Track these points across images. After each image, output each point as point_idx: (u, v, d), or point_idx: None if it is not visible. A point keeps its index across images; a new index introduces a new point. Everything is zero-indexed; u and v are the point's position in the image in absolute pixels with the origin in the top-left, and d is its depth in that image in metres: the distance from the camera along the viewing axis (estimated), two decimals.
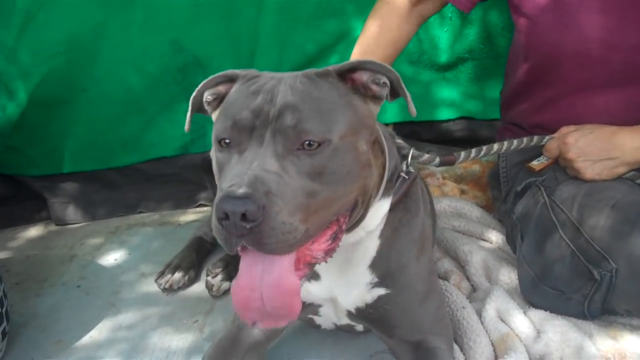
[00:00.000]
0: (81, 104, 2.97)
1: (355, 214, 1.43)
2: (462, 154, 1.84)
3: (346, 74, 1.42)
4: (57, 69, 2.87)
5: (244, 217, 1.18)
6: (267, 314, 1.28)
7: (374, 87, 1.43)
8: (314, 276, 1.69)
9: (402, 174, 1.65)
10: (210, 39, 2.89)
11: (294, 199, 1.24)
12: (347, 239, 1.56)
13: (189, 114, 1.60)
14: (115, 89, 2.96)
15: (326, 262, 1.40)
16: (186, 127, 1.61)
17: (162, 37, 2.88)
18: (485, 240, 2.31)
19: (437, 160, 1.75)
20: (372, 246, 1.64)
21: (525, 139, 2.01)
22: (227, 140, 1.35)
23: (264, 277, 1.28)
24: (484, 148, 1.89)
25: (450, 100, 2.93)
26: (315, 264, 1.38)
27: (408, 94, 1.42)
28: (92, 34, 2.83)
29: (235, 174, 1.26)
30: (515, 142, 1.98)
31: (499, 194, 2.36)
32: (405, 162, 1.67)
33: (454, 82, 2.90)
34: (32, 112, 2.94)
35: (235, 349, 1.81)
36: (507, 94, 2.39)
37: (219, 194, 1.23)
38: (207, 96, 1.54)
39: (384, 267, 1.66)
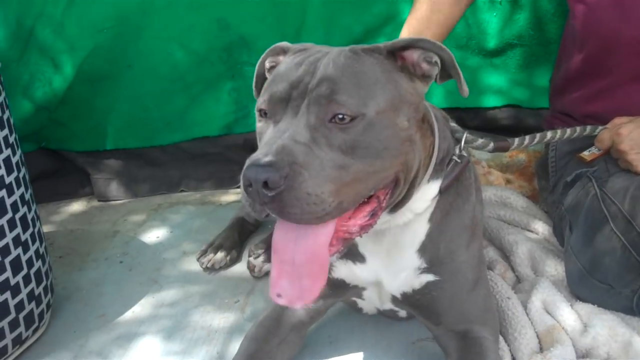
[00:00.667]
0: (126, 80, 2.99)
1: (397, 192, 1.43)
2: (516, 140, 1.81)
3: (397, 52, 1.41)
4: (104, 44, 2.88)
5: (266, 185, 1.20)
6: (297, 277, 1.30)
7: (424, 66, 1.41)
8: (359, 258, 1.69)
9: (455, 158, 1.63)
10: (256, 17, 2.87)
11: (322, 171, 1.25)
12: (394, 220, 1.57)
13: (254, 80, 1.65)
14: (160, 66, 2.96)
15: (361, 236, 1.40)
16: (254, 93, 1.65)
17: (209, 14, 2.87)
18: (531, 231, 2.28)
19: (491, 145, 1.72)
20: (421, 230, 1.63)
21: (578, 128, 1.97)
22: (265, 111, 1.38)
23: (297, 241, 1.31)
24: (537, 136, 1.85)
25: (497, 87, 2.88)
26: (350, 240, 1.38)
27: (460, 74, 1.40)
28: (139, 9, 2.83)
29: (265, 143, 1.28)
30: (568, 131, 1.94)
31: (547, 184, 2.32)
32: (458, 146, 1.64)
33: (501, 68, 2.86)
34: (77, 86, 2.95)
35: (278, 328, 1.82)
36: (558, 82, 2.34)
37: (247, 162, 1.25)
38: (267, 64, 1.59)
39: (433, 253, 1.64)
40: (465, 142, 1.66)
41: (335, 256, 1.36)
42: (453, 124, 1.69)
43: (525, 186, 2.57)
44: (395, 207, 1.51)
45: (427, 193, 1.57)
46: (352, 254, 1.69)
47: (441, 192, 1.60)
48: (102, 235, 2.78)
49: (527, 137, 1.83)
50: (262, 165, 1.20)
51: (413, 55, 1.41)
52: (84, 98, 3.01)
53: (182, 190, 3.14)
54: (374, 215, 1.40)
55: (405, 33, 2.23)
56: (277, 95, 1.35)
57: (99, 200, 3.12)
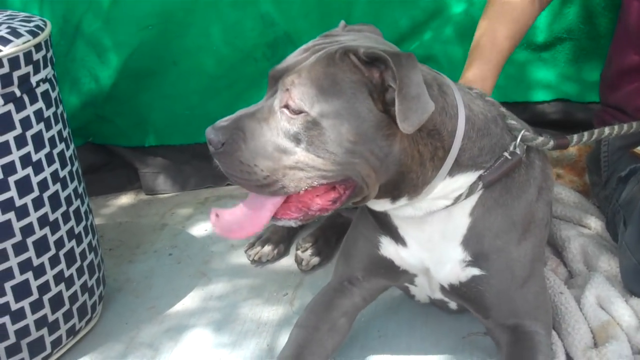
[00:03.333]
0: (171, 77, 3.01)
1: (361, 192, 1.49)
2: (575, 137, 1.78)
3: (375, 62, 1.41)
4: (149, 41, 2.91)
5: (210, 143, 1.43)
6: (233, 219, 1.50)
7: (388, 87, 1.40)
8: (401, 241, 1.72)
9: (506, 154, 1.61)
10: (301, 13, 2.87)
11: (262, 148, 1.41)
12: (424, 208, 1.60)
13: None
14: (205, 63, 2.97)
15: (315, 217, 1.52)
16: None
17: (254, 10, 2.87)
18: (584, 226, 2.24)
19: (551, 143, 1.70)
20: (462, 222, 1.63)
21: (635, 124, 1.92)
22: None
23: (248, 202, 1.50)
24: (595, 132, 1.81)
25: (546, 81, 2.84)
26: (310, 215, 1.50)
27: (408, 104, 1.33)
28: (184, 6, 2.85)
29: (238, 110, 1.48)
30: (625, 126, 1.88)
31: (599, 178, 2.29)
32: (513, 143, 1.63)
33: (550, 62, 2.81)
34: (122, 83, 2.99)
35: (329, 314, 1.83)
36: (611, 76, 2.30)
37: None
38: None
39: (476, 247, 1.64)
40: (522, 140, 1.64)
41: (293, 222, 1.51)
42: (512, 122, 1.67)
43: (576, 181, 2.54)
44: (398, 197, 1.55)
45: (452, 185, 1.57)
46: (394, 235, 1.73)
47: (485, 186, 1.59)
48: (150, 228, 2.81)
49: (586, 134, 1.80)
50: (214, 127, 1.43)
51: (381, 68, 1.41)
52: (129, 94, 3.04)
53: (228, 184, 3.14)
54: (334, 202, 1.50)
55: (478, 34, 2.21)
56: (273, 73, 1.50)
57: (146, 194, 3.15)
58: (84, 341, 2.12)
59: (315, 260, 2.36)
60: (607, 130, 1.85)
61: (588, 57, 2.79)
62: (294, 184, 1.42)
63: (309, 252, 2.36)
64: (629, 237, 1.90)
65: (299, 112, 1.40)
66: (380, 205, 1.59)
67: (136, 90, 3.04)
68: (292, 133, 1.40)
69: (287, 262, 2.45)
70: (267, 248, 2.45)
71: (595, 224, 2.23)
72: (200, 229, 2.77)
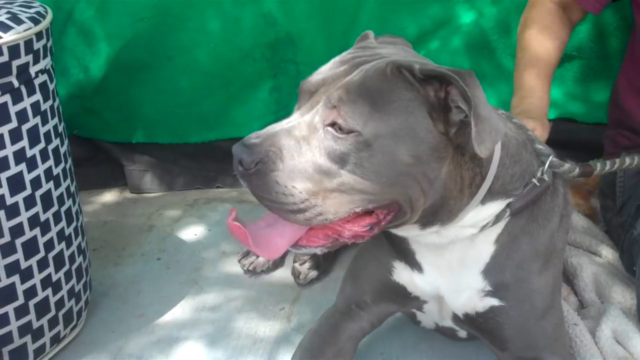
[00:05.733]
0: (164, 73, 2.90)
1: (403, 217, 1.39)
2: (599, 165, 1.72)
3: (431, 80, 1.31)
4: (143, 34, 2.81)
5: (241, 163, 1.28)
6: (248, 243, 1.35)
7: (452, 107, 1.31)
8: (417, 267, 1.64)
9: (534, 180, 1.54)
10: (304, 14, 2.78)
11: (302, 169, 1.28)
12: (450, 235, 1.51)
13: None
14: (201, 60, 2.88)
15: (348, 244, 1.40)
16: None
17: (256, 8, 2.78)
18: (594, 254, 2.19)
19: (577, 170, 1.64)
20: (486, 250, 1.56)
21: None
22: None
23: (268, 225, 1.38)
24: (617, 161, 1.76)
25: (552, 99, 2.76)
26: (339, 241, 1.38)
27: (482, 126, 1.25)
28: (183, 0, 2.75)
29: (270, 126, 1.34)
30: None
31: (613, 203, 2.22)
32: (541, 169, 1.56)
33: (558, 80, 2.74)
34: (114, 75, 2.88)
35: (335, 337, 1.75)
36: (624, 97, 2.25)
37: None
38: None
39: (498, 276, 1.57)
40: (550, 166, 1.57)
41: (319, 250, 1.39)
42: (540, 146, 1.60)
43: (582, 204, 2.48)
44: (432, 223, 1.45)
45: (482, 213, 1.49)
46: (410, 261, 1.65)
47: (512, 214, 1.52)
48: (137, 229, 2.70)
49: (608, 162, 1.75)
50: (243, 145, 1.29)
51: (447, 90, 1.31)
52: (119, 88, 2.93)
53: (218, 186, 3.05)
54: (371, 229, 1.39)
55: (521, 64, 2.17)
56: (307, 86, 1.38)
57: (132, 192, 3.04)
58: (68, 349, 2.01)
59: (314, 273, 2.28)
60: (627, 159, 1.79)
61: (596, 76, 2.74)
62: (334, 209, 1.30)
63: (307, 264, 2.27)
64: None
65: (349, 131, 1.27)
66: (407, 230, 1.49)
67: (127, 84, 2.93)
68: (338, 153, 1.28)
69: (283, 273, 2.35)
70: (262, 258, 2.34)
71: (606, 252, 2.17)
72: (189, 233, 2.66)
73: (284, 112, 2.94)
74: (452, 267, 1.59)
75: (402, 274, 1.67)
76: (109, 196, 3.02)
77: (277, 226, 1.36)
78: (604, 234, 2.31)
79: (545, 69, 2.14)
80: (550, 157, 1.58)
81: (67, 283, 1.93)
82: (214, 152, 3.04)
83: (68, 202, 1.94)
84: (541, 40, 2.16)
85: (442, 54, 2.77)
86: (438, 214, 1.42)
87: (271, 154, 1.28)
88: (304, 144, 1.30)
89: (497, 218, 1.50)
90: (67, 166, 1.96)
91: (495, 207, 1.49)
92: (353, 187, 1.29)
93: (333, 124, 1.28)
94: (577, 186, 2.53)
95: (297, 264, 2.28)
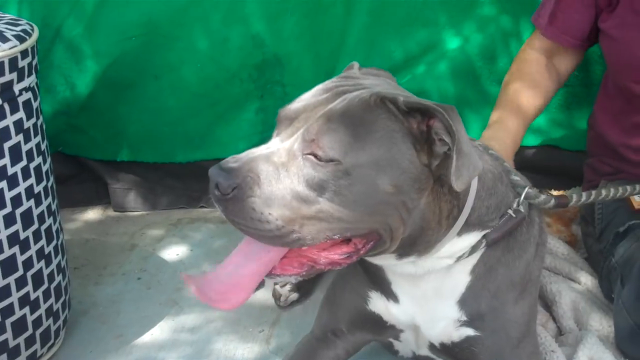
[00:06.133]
0: (151, 91, 2.90)
1: (382, 246, 1.38)
2: (574, 196, 1.73)
3: (414, 112, 1.32)
4: (131, 52, 2.81)
5: (217, 187, 1.25)
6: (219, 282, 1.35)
7: (436, 139, 1.32)
8: (392, 297, 1.63)
9: (510, 212, 1.55)
10: (292, 36, 2.79)
11: (279, 195, 1.26)
12: (425, 265, 1.51)
13: None
14: (188, 79, 2.87)
15: (324, 269, 1.38)
16: None
17: (244, 29, 2.78)
18: (573, 280, 2.19)
19: (552, 202, 1.64)
20: (462, 281, 1.56)
21: (629, 187, 1.87)
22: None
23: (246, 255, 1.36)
24: (593, 193, 1.77)
25: (536, 126, 2.78)
26: (315, 269, 1.37)
27: (462, 162, 1.27)
28: (171, 19, 2.76)
29: (248, 150, 1.32)
30: (620, 189, 1.83)
31: (593, 230, 2.23)
32: (517, 200, 1.57)
33: None
34: (100, 93, 2.88)
35: None
36: (598, 120, 2.30)
37: None
38: None
39: (473, 307, 1.57)
40: (526, 198, 1.58)
41: (294, 278, 1.38)
42: (516, 177, 1.61)
43: (564, 231, 2.49)
44: (408, 254, 1.45)
45: (458, 245, 1.49)
46: (386, 291, 1.64)
47: (488, 245, 1.52)
48: (119, 248, 2.69)
49: (584, 194, 1.76)
50: (220, 169, 1.27)
51: (430, 123, 1.32)
52: (106, 105, 2.92)
53: (202, 206, 3.05)
54: (348, 257, 1.37)
55: (498, 114, 2.21)
56: (288, 113, 1.37)
57: (115, 210, 3.03)
58: None
59: (294, 296, 2.27)
60: (603, 192, 1.80)
61: (580, 104, 2.76)
62: (312, 235, 1.29)
63: (287, 287, 2.26)
64: (627, 297, 1.85)
65: (328, 160, 1.27)
66: (384, 260, 1.49)
67: (113, 102, 2.92)
68: (317, 181, 1.27)
69: (264, 295, 2.34)
70: None
71: (585, 279, 2.17)
72: (171, 252, 2.65)
73: (270, 132, 2.86)
74: (428, 297, 1.59)
75: (377, 303, 1.67)
76: (91, 214, 3.01)
77: (236, 271, 1.35)
78: (584, 260, 2.31)
79: (525, 120, 2.21)
80: (526, 189, 1.59)
81: (45, 302, 1.91)
82: (198, 171, 3.02)
83: (49, 221, 1.93)
84: (525, 94, 2.21)
85: (428, 79, 2.78)
86: (416, 244, 1.42)
87: (249, 179, 1.26)
88: (283, 171, 1.28)
89: (473, 249, 1.51)
90: (49, 184, 1.95)
91: (472, 238, 1.50)
92: (332, 214, 1.28)
93: (313, 153, 1.28)
94: (559, 213, 2.54)
95: (277, 286, 2.27)
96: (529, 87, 2.21)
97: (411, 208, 1.34)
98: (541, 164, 2.85)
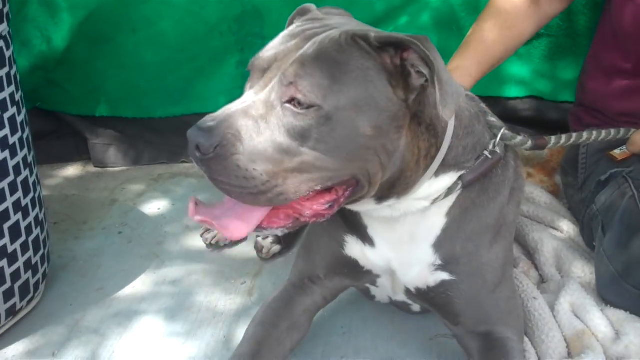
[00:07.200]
0: (129, 45, 2.87)
1: (361, 191, 1.37)
2: (553, 138, 1.72)
3: (387, 47, 1.29)
4: (107, 5, 2.77)
5: (198, 148, 1.21)
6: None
7: (412, 72, 1.29)
8: (368, 241, 1.63)
9: (486, 153, 1.53)
10: None
11: (262, 149, 1.24)
12: (404, 208, 1.50)
13: None
14: (166, 33, 2.84)
15: (309, 222, 1.37)
16: None
17: None
18: (555, 229, 2.19)
19: (530, 143, 1.63)
20: (437, 223, 1.55)
21: (612, 131, 1.87)
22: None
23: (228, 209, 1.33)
24: (574, 135, 1.76)
25: (519, 77, 2.78)
26: (300, 221, 1.36)
27: (445, 89, 1.24)
28: None
29: (223, 108, 1.28)
30: (603, 132, 1.83)
31: (575, 180, 2.23)
32: (493, 142, 1.55)
33: (525, 58, 2.75)
34: (77, 47, 2.84)
35: (288, 311, 1.73)
36: (592, 76, 2.25)
37: None
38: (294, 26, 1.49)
39: (449, 250, 1.56)
40: (502, 139, 1.57)
41: (280, 231, 1.36)
42: (492, 119, 1.59)
43: (546, 181, 2.48)
44: (388, 197, 1.44)
45: (435, 186, 1.48)
46: (362, 235, 1.64)
47: (464, 186, 1.51)
48: (99, 203, 2.66)
49: (564, 137, 1.74)
50: (199, 129, 1.22)
51: (404, 55, 1.29)
52: (83, 60, 2.89)
53: (183, 161, 3.02)
54: (331, 207, 1.37)
55: (472, 35, 2.15)
56: (259, 62, 1.34)
57: (95, 166, 3.00)
58: (24, 322, 1.97)
59: (276, 248, 2.26)
60: (585, 135, 1.79)
61: (564, 55, 2.73)
62: (294, 189, 1.27)
63: (269, 239, 2.26)
64: (608, 244, 1.85)
65: (309, 106, 1.23)
66: (363, 205, 1.47)
67: (90, 56, 2.89)
68: (299, 130, 1.24)
69: (246, 248, 2.33)
70: None
71: (568, 227, 2.17)
72: (152, 207, 2.63)
73: None
74: (403, 241, 1.58)
75: (354, 248, 1.66)
76: (71, 170, 2.98)
77: (238, 209, 1.32)
78: (566, 209, 2.32)
79: (489, 67, 2.13)
80: (503, 130, 1.57)
81: (23, 255, 1.89)
82: (179, 126, 2.99)
83: (25, 173, 1.89)
84: (495, 35, 2.13)
85: (411, 30, 2.73)
86: (395, 187, 1.41)
87: (230, 136, 1.22)
88: (262, 123, 1.25)
89: (449, 191, 1.49)
90: (25, 136, 1.91)
91: (448, 179, 1.49)
92: (314, 164, 1.26)
93: (291, 100, 1.24)
94: (542, 163, 2.53)
95: (259, 239, 2.26)
96: (502, 27, 2.15)
97: (392, 150, 1.33)
98: (525, 115, 2.84)
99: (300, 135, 1.25)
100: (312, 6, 1.53)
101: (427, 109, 1.36)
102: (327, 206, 1.36)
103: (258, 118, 1.25)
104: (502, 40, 2.14)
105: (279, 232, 1.37)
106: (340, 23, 1.41)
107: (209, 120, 1.24)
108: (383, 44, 1.28)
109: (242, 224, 1.31)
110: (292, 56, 1.29)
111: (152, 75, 2.93)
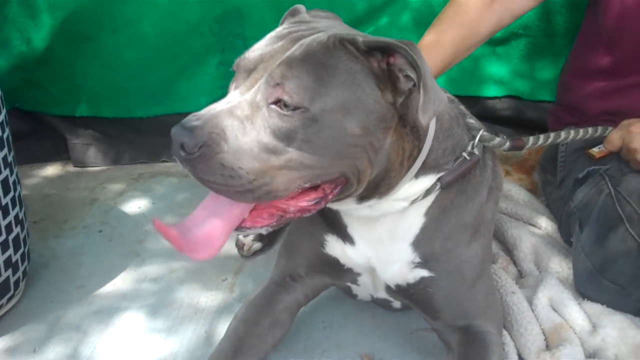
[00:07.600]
0: (109, 45, 2.86)
1: (349, 189, 1.38)
2: (531, 139, 1.75)
3: (374, 51, 1.31)
4: (88, 5, 2.76)
5: (183, 147, 1.21)
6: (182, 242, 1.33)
7: (400, 76, 1.31)
8: (349, 240, 1.64)
9: (465, 154, 1.55)
10: None
11: (247, 149, 1.24)
12: (384, 208, 1.51)
13: None
14: (147, 33, 2.83)
15: (294, 217, 1.36)
16: None
17: None
18: (534, 225, 2.22)
19: (508, 144, 1.66)
20: (416, 223, 1.57)
21: (590, 129, 1.90)
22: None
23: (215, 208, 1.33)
24: (551, 135, 1.79)
25: (498, 76, 2.81)
26: (285, 218, 1.36)
27: (429, 94, 1.26)
28: None
29: (208, 107, 1.27)
30: (580, 131, 1.87)
31: (553, 178, 2.25)
32: (472, 143, 1.57)
33: (504, 58, 2.78)
34: (57, 47, 2.83)
35: (270, 308, 1.75)
36: (572, 76, 2.27)
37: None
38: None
39: (427, 248, 1.58)
40: (480, 140, 1.59)
41: (264, 229, 1.35)
42: (471, 120, 1.62)
43: (525, 179, 2.52)
44: (371, 196, 1.45)
45: (415, 187, 1.50)
46: (342, 234, 1.65)
47: (443, 187, 1.53)
48: (79, 203, 2.65)
49: (542, 137, 1.78)
50: (184, 128, 1.22)
51: (391, 60, 1.31)
52: (62, 60, 2.88)
53: (164, 160, 3.02)
54: (317, 203, 1.37)
55: (426, 37, 2.11)
56: (245, 63, 1.34)
57: (75, 166, 2.99)
58: (5, 320, 1.96)
59: (257, 245, 2.27)
60: (562, 134, 1.83)
61: (542, 54, 2.77)
62: (284, 186, 1.28)
63: (251, 236, 2.26)
64: (585, 240, 1.88)
65: (295, 108, 1.24)
66: (345, 204, 1.48)
67: (71, 56, 2.88)
68: (285, 131, 1.24)
69: (227, 245, 2.24)
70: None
71: (545, 224, 2.20)
72: (133, 206, 2.63)
73: None
74: (383, 239, 1.60)
75: (334, 246, 1.68)
76: (51, 170, 2.97)
77: (207, 223, 1.32)
78: (544, 206, 2.34)
79: (435, 57, 2.04)
80: (481, 131, 1.60)
81: (3, 253, 1.88)
82: (160, 126, 3.00)
83: (5, 172, 1.88)
84: (446, 26, 2.09)
85: (392, 31, 2.77)
86: (379, 187, 1.43)
87: (214, 136, 1.22)
88: (248, 124, 1.25)
89: (428, 192, 1.52)
90: (4, 135, 1.90)
91: (428, 181, 1.51)
92: (302, 162, 1.27)
93: (277, 102, 1.25)
94: (520, 162, 2.56)
95: (241, 236, 2.27)
96: (460, 34, 2.09)
97: (378, 148, 1.34)
98: (504, 114, 2.87)
99: (286, 136, 1.25)
100: (302, 7, 1.54)
101: (410, 112, 1.38)
102: (313, 202, 1.37)
103: (243, 118, 1.25)
104: (458, 42, 2.09)
105: (264, 231, 1.36)
106: (328, 26, 1.42)
107: (193, 119, 1.24)
108: (370, 48, 1.30)
109: (212, 241, 1.32)
110: (279, 57, 1.29)
111: (133, 75, 2.92)
